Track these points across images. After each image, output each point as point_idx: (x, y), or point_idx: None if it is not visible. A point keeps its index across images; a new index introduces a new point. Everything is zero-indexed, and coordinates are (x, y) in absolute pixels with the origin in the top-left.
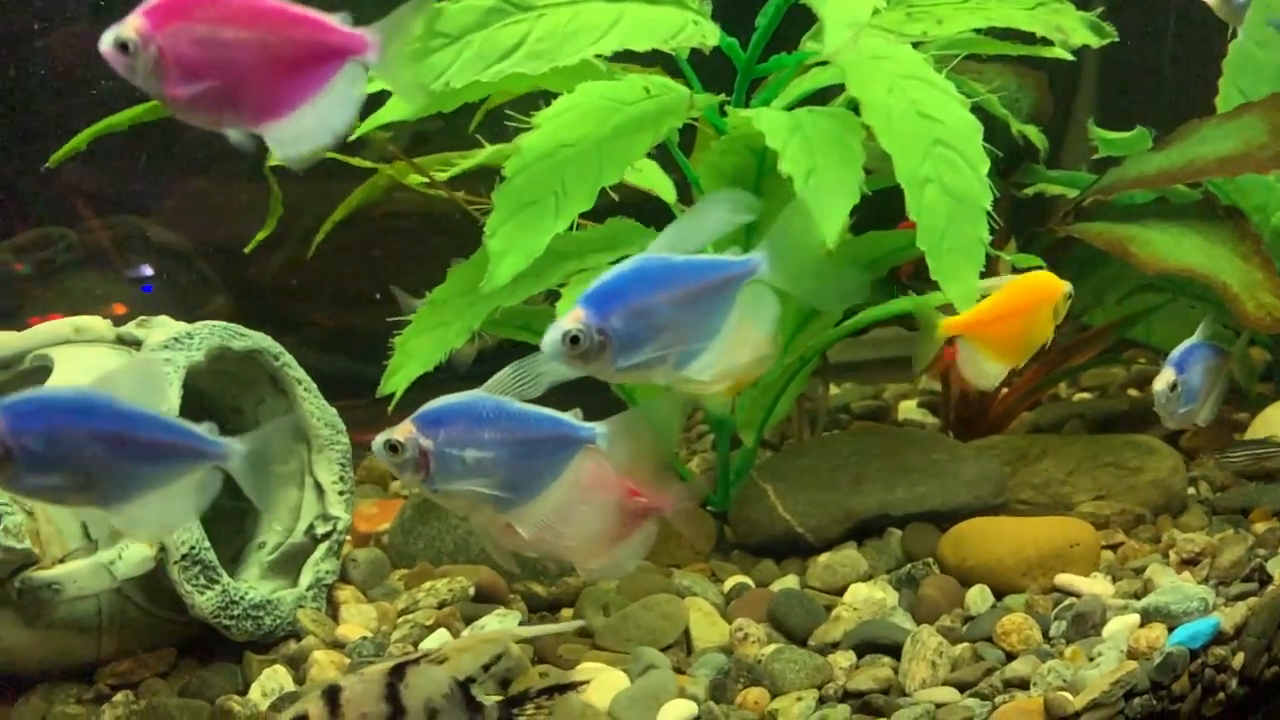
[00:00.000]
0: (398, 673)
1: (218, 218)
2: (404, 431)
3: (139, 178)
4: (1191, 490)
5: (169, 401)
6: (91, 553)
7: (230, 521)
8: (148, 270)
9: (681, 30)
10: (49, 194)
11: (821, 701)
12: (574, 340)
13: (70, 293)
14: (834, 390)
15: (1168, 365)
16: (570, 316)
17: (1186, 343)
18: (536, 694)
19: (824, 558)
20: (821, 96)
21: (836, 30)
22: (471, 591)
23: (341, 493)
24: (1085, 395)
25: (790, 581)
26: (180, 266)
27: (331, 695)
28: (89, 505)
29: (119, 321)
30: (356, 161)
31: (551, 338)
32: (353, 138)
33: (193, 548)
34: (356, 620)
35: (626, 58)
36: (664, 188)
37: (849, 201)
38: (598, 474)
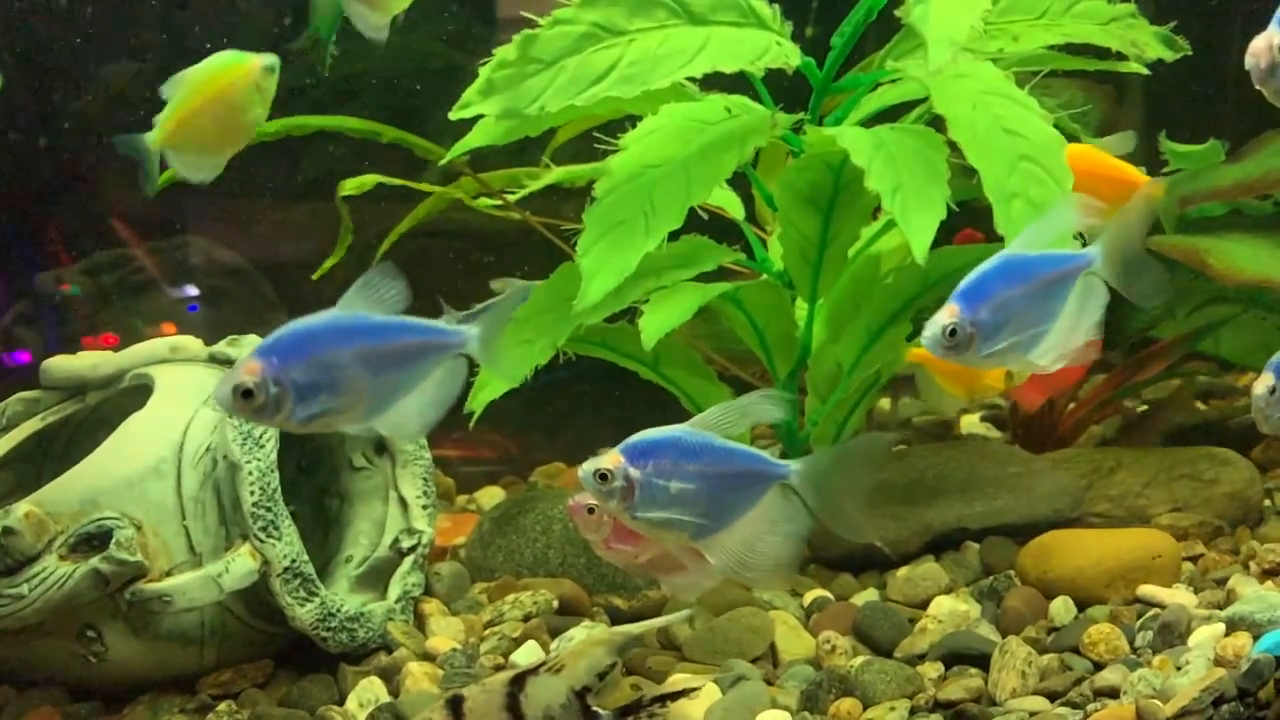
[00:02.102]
0: (518, 683)
1: (278, 238)
2: (613, 461)
3: (203, 200)
4: (1267, 502)
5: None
6: (195, 566)
7: (314, 536)
8: (213, 288)
9: (766, 52)
10: (114, 216)
11: (913, 712)
12: (951, 333)
13: (142, 312)
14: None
15: (1267, 370)
16: (946, 311)
17: None
18: (650, 701)
19: (903, 571)
20: (889, 114)
21: (939, 49)
22: (555, 604)
23: (425, 507)
24: (1146, 409)
25: (870, 595)
26: (244, 285)
27: (455, 705)
28: (357, 422)
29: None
30: (421, 186)
31: (931, 331)
32: (443, 162)
33: (294, 561)
34: (444, 633)
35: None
36: (733, 205)
37: (937, 216)
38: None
